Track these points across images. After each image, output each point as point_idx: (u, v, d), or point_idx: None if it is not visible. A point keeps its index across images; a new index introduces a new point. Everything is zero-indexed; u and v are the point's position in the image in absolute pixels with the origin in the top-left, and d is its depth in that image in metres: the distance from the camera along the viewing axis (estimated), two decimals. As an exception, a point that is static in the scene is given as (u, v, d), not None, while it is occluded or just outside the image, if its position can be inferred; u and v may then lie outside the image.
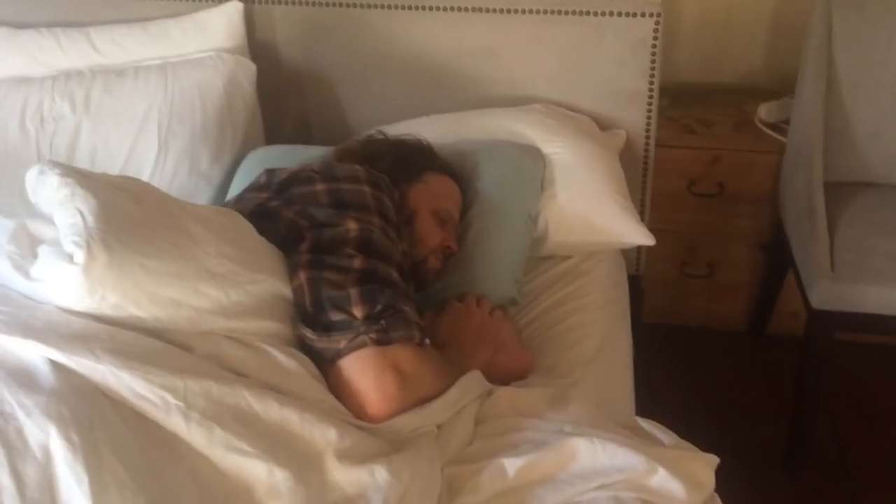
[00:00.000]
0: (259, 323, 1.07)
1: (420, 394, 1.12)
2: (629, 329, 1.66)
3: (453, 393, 1.17)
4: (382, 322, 1.09)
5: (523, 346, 1.41)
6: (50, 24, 2.02)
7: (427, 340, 1.17)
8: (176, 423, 0.91)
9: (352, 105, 2.08)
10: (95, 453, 0.82)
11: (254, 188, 1.34)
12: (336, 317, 1.09)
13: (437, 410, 1.14)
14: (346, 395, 1.08)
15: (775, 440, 2.04)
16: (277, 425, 0.97)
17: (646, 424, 1.19)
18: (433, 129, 1.77)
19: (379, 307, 1.10)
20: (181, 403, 0.91)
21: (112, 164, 1.83)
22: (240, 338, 1.05)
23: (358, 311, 1.09)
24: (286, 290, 1.13)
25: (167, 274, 0.99)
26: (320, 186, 1.24)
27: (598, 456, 1.08)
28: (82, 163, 1.84)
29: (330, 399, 1.06)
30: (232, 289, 1.05)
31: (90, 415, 0.86)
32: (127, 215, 1.01)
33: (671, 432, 1.17)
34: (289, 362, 1.05)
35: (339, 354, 1.08)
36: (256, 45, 2.03)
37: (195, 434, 0.91)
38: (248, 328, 1.06)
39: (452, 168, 1.60)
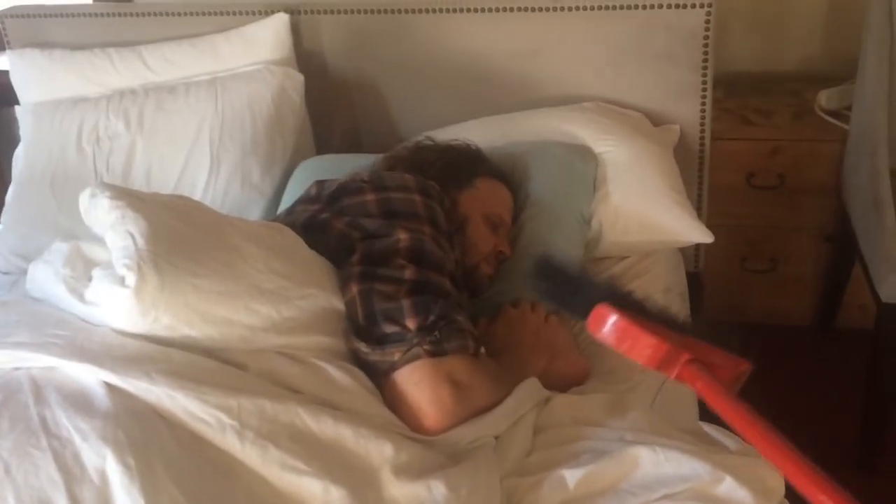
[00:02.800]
0: (311, 338, 1.07)
1: (477, 404, 1.10)
2: (690, 329, 1.62)
3: (511, 402, 1.14)
4: (436, 333, 1.08)
5: (580, 352, 1.39)
6: (103, 45, 2.05)
7: (482, 350, 1.16)
8: (231, 442, 0.91)
9: (400, 111, 2.07)
10: (151, 476, 0.83)
11: (304, 200, 1.34)
12: (389, 329, 1.08)
13: (495, 421, 1.12)
14: (402, 409, 1.06)
15: (847, 437, 1.97)
16: (332, 442, 0.96)
17: (710, 429, 1.16)
18: (482, 133, 1.75)
19: (432, 318, 1.08)
20: (235, 423, 0.91)
21: (166, 181, 1.85)
22: (293, 354, 1.04)
23: (411, 323, 1.08)
24: (338, 304, 1.12)
25: (218, 293, 0.99)
26: (370, 196, 1.23)
27: (661, 465, 1.05)
28: (138, 180, 1.87)
29: (385, 412, 1.05)
30: (283, 305, 1.05)
31: (146, 437, 0.86)
32: (177, 236, 1.02)
33: (737, 437, 1.13)
34: (342, 377, 1.04)
35: (394, 367, 1.07)
36: (303, 56, 2.04)
37: (250, 453, 0.91)
38: (301, 343, 1.06)
39: (503, 171, 1.58)
